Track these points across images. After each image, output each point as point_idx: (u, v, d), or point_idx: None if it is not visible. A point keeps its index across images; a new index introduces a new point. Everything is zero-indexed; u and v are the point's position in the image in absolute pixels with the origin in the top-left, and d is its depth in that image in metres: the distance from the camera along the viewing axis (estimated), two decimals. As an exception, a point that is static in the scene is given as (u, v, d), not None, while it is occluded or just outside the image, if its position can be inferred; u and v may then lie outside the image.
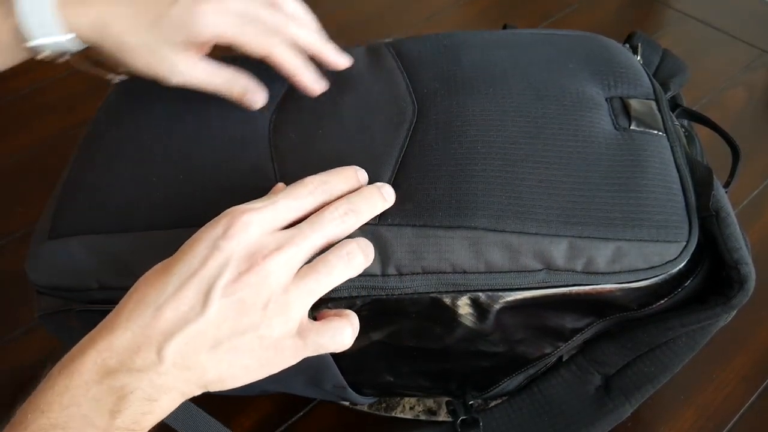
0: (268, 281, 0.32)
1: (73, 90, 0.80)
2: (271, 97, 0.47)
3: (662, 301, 0.40)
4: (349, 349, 0.43)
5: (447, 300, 0.39)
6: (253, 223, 0.33)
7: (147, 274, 0.34)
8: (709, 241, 0.40)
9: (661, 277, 0.39)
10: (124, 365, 0.31)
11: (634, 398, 0.44)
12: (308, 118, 0.45)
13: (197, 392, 0.33)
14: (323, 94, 0.47)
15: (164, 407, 0.32)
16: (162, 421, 0.40)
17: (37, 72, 0.83)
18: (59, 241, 0.40)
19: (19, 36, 0.40)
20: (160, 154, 0.44)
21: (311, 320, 0.35)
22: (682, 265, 0.38)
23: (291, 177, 0.41)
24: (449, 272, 0.38)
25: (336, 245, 0.35)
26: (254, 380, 0.34)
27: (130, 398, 0.30)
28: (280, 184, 0.40)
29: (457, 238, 0.38)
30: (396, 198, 0.39)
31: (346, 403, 0.52)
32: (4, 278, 0.61)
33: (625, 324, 0.42)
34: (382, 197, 0.38)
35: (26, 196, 0.68)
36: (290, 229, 0.35)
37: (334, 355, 0.43)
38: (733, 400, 0.51)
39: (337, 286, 0.39)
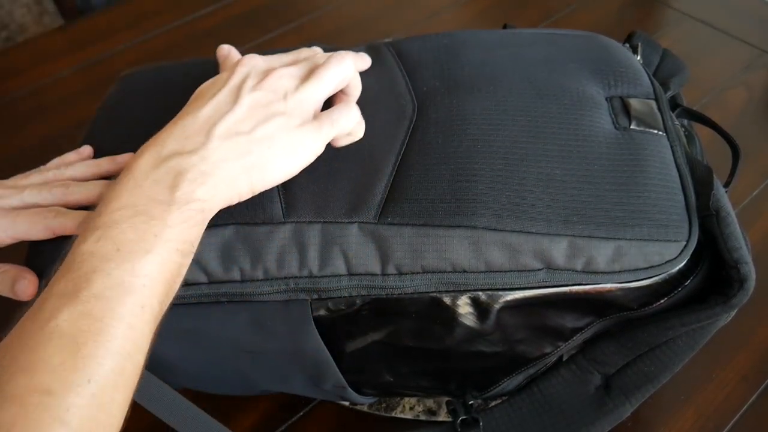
0: (282, 82, 0.40)
1: (72, 90, 0.80)
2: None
3: (662, 301, 0.40)
4: (349, 349, 0.43)
5: (447, 299, 0.39)
6: (258, 56, 0.42)
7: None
8: (709, 241, 0.40)
9: (661, 276, 0.39)
10: (177, 150, 0.36)
11: (634, 398, 0.44)
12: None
13: (243, 184, 0.37)
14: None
15: (216, 187, 0.36)
16: (162, 419, 0.40)
17: (37, 72, 0.83)
18: (59, 241, 0.40)
19: None
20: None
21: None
22: (682, 264, 0.38)
23: (291, 176, 0.41)
24: (449, 271, 0.38)
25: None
26: (290, 171, 0.39)
27: (186, 173, 0.35)
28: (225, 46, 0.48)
29: (457, 237, 0.38)
30: (395, 197, 0.39)
31: (346, 403, 0.52)
32: (4, 278, 0.60)
33: (625, 323, 0.42)
34: (360, 56, 0.47)
35: (26, 195, 0.68)
36: None
37: (334, 355, 0.43)
38: (733, 400, 0.51)
39: (337, 286, 0.39)
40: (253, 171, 0.37)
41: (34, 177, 0.43)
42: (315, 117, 0.40)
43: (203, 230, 0.36)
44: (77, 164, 0.44)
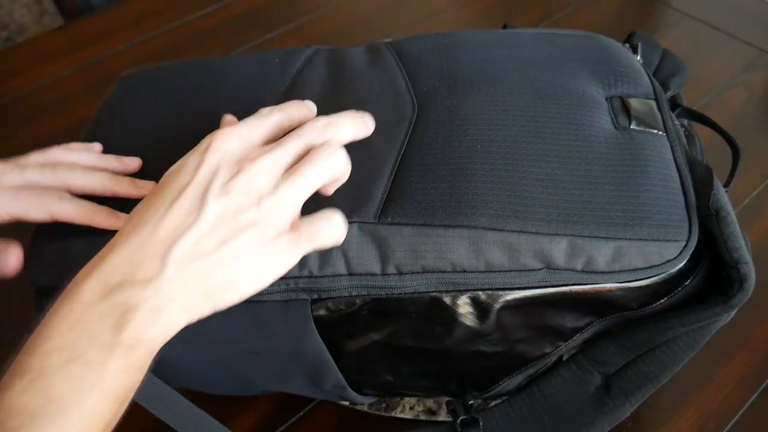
0: (257, 180, 0.34)
1: (72, 89, 0.80)
2: (272, 95, 0.47)
3: (662, 301, 0.40)
4: (349, 349, 0.43)
5: (447, 299, 0.39)
6: (234, 135, 0.35)
7: (140, 203, 0.34)
8: (709, 241, 0.40)
9: (660, 276, 0.39)
10: (127, 280, 0.31)
11: (634, 398, 0.44)
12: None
13: (205, 306, 0.33)
14: (323, 94, 0.47)
15: (171, 321, 0.32)
16: (162, 420, 0.40)
17: (37, 72, 0.83)
18: (59, 241, 0.40)
19: None
20: (159, 153, 0.44)
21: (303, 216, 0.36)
22: (682, 264, 0.38)
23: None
24: (449, 271, 0.38)
25: (323, 144, 0.36)
26: (260, 286, 0.34)
27: (135, 311, 0.30)
28: (228, 116, 0.41)
29: (456, 237, 0.38)
30: (395, 197, 0.39)
31: (346, 403, 0.52)
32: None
33: (625, 323, 0.42)
34: (363, 121, 0.39)
35: (26, 195, 0.68)
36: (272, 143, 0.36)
37: (334, 355, 0.43)
38: (733, 400, 0.51)
39: (337, 286, 0.39)
40: (216, 292, 0.33)
41: (35, 156, 0.42)
42: (292, 225, 0.35)
43: (149, 366, 0.32)
44: (82, 151, 0.43)
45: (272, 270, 0.34)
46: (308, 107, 0.40)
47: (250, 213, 0.33)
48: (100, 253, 0.32)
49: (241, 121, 0.37)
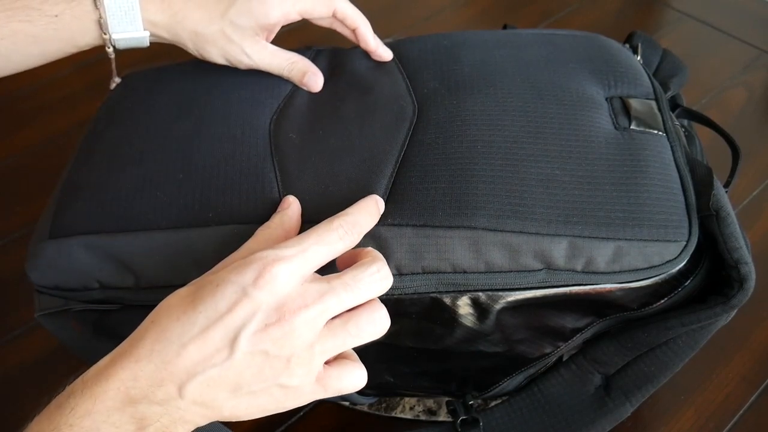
0: (292, 337, 0.33)
1: (73, 89, 0.80)
2: (274, 98, 0.47)
3: (662, 301, 0.40)
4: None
5: (447, 300, 0.39)
6: (284, 273, 0.33)
7: (170, 301, 0.34)
8: (709, 241, 0.40)
9: (661, 276, 0.39)
10: (146, 397, 0.31)
11: (634, 398, 0.44)
12: (309, 118, 0.45)
13: (208, 421, 0.34)
14: (324, 96, 0.47)
15: None
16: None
17: (38, 71, 0.83)
18: (59, 241, 0.40)
19: (101, 27, 0.46)
20: (160, 153, 0.44)
21: (326, 365, 0.35)
22: (682, 264, 0.38)
23: (291, 177, 0.41)
24: (449, 272, 0.38)
25: (369, 306, 0.35)
26: (268, 414, 0.35)
27: (149, 429, 0.31)
28: (290, 198, 0.40)
29: (457, 237, 0.38)
30: (396, 198, 0.39)
31: (346, 403, 0.52)
32: (4, 278, 0.61)
33: (626, 324, 0.42)
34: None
35: (26, 196, 0.68)
36: (323, 282, 0.34)
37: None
38: (733, 400, 0.51)
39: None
40: (222, 419, 0.34)
41: None
42: (318, 376, 0.34)
43: None
44: None
45: (285, 407, 0.35)
46: (378, 210, 0.39)
47: (276, 367, 0.33)
48: (123, 351, 0.32)
49: (301, 248, 0.34)
